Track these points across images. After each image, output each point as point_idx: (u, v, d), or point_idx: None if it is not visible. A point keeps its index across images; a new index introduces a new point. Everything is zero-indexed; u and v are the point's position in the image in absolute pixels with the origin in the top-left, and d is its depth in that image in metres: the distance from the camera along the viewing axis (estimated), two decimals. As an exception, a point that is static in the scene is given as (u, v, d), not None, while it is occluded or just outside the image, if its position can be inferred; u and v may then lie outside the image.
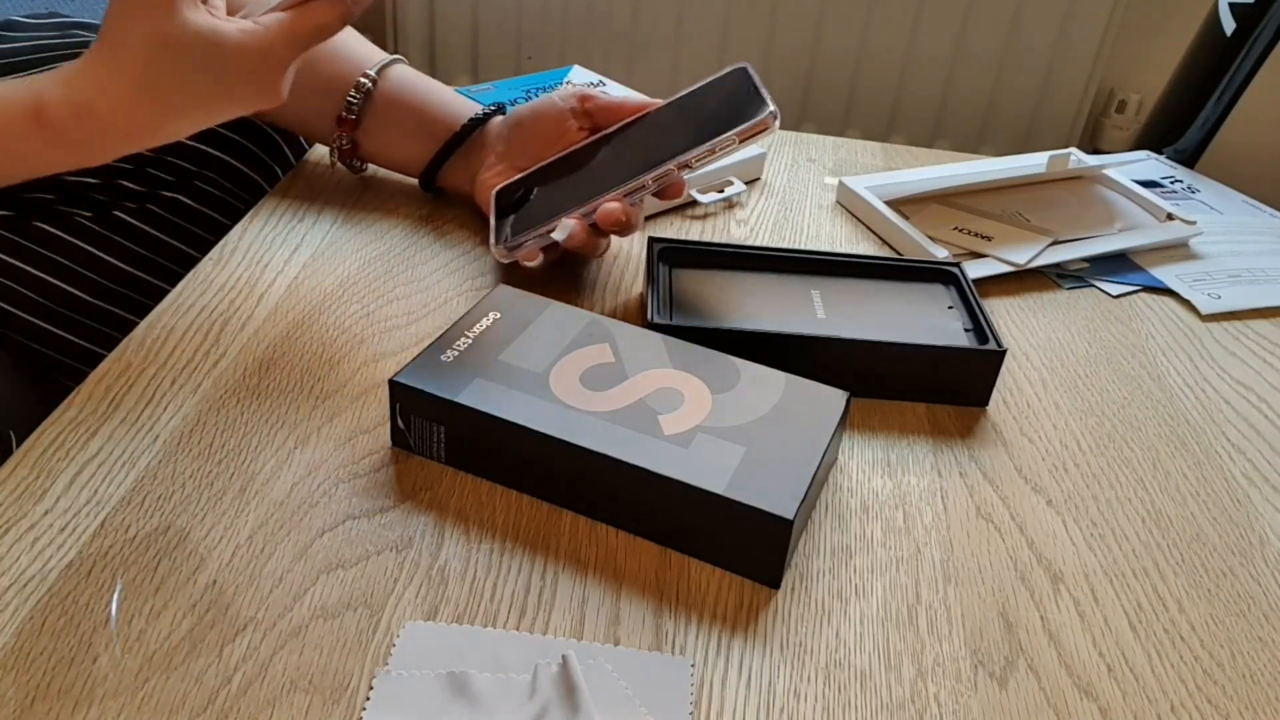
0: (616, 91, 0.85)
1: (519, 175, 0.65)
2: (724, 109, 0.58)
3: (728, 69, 0.62)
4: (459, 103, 0.68)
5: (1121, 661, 0.42)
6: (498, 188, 0.64)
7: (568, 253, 0.61)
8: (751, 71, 0.59)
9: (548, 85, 0.85)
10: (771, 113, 0.55)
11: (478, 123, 0.67)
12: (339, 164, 0.72)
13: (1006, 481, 0.52)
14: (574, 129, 0.65)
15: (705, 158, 0.56)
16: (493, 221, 0.62)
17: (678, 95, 0.63)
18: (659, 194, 0.59)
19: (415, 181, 0.71)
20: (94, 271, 0.72)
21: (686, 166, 0.57)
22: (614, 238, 0.65)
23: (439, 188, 0.70)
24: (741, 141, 0.56)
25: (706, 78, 0.62)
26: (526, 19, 1.96)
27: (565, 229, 0.58)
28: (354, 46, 0.69)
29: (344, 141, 0.68)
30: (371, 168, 0.74)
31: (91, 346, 0.73)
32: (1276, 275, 0.75)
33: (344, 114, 0.67)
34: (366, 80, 0.66)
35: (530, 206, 0.61)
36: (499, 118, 0.68)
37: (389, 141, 0.69)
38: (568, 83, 0.86)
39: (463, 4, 1.96)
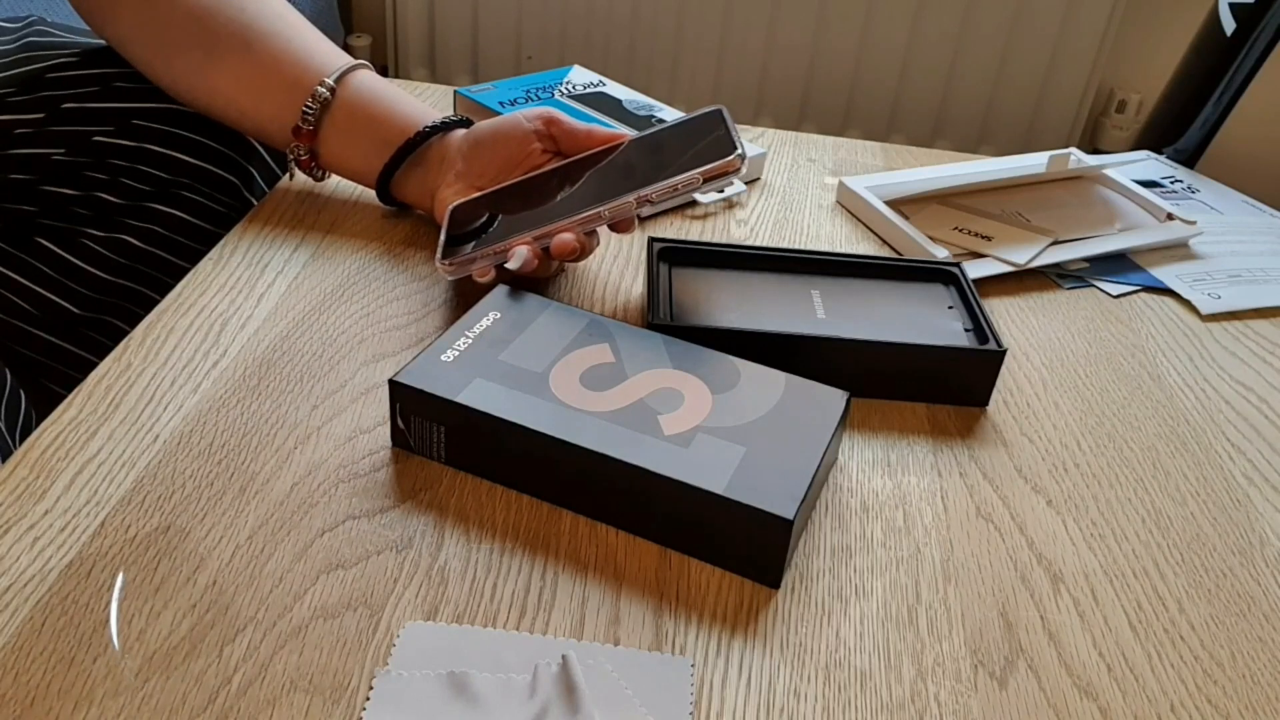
0: (616, 91, 0.85)
1: (477, 194, 0.62)
2: (693, 148, 0.57)
3: (703, 110, 0.61)
4: (419, 112, 0.65)
5: (1121, 661, 0.42)
6: (453, 203, 0.62)
7: (518, 272, 0.58)
8: (726, 114, 0.59)
9: (548, 85, 0.85)
10: (739, 154, 0.54)
11: (431, 132, 0.64)
12: (298, 173, 0.69)
13: (1006, 481, 0.52)
14: (537, 151, 0.63)
15: (667, 194, 0.55)
16: (442, 236, 0.60)
17: (649, 131, 0.62)
18: (612, 226, 0.58)
19: None
20: (85, 285, 0.71)
21: (647, 201, 0.56)
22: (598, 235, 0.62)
23: (400, 202, 0.67)
24: (706, 181, 0.55)
25: (681, 116, 0.61)
26: (526, 19, 1.96)
27: (519, 257, 0.56)
28: (315, 50, 0.66)
29: (301, 152, 0.66)
30: None
31: (86, 355, 0.73)
32: (1276, 275, 0.75)
33: (300, 124, 0.64)
34: (324, 90, 0.63)
35: (485, 227, 0.60)
36: (460, 132, 0.65)
37: (344, 151, 0.66)
38: (568, 83, 0.86)
39: (463, 4, 1.97)
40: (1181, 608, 0.45)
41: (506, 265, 0.56)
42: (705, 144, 0.57)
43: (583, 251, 0.58)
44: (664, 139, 0.60)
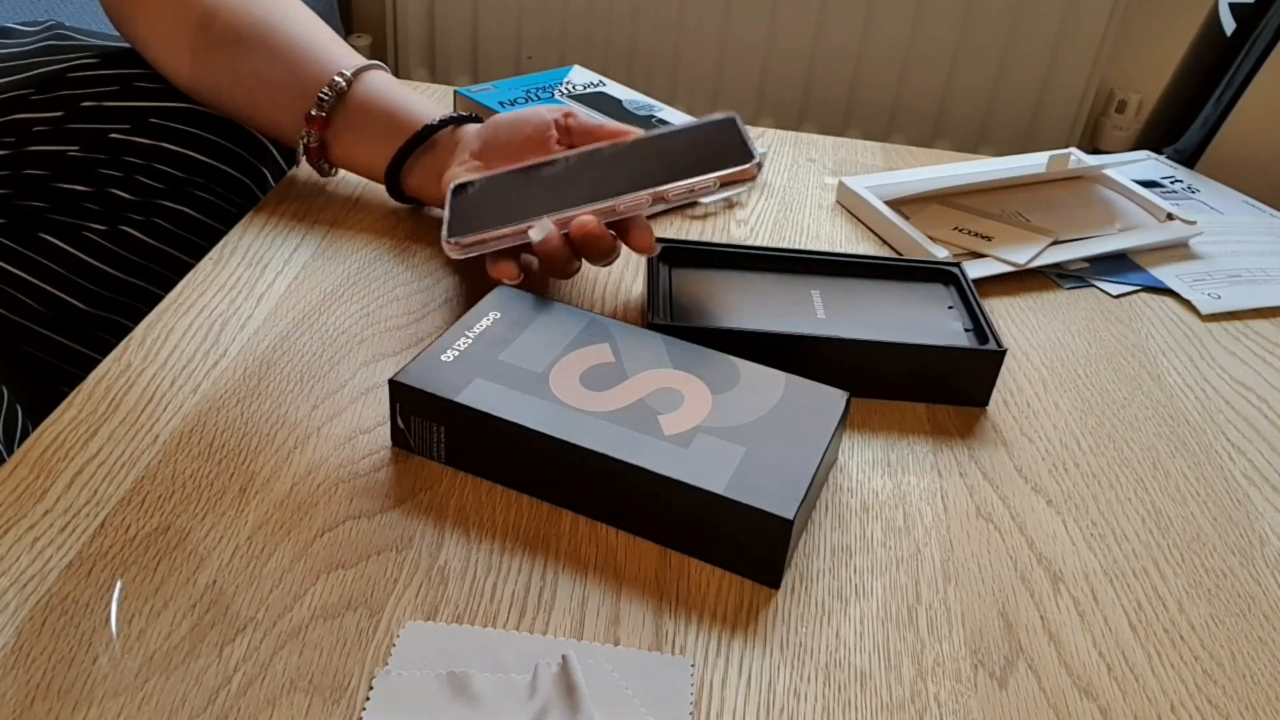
0: (616, 91, 0.85)
1: (479, 175, 0.62)
2: (708, 152, 0.57)
3: (715, 116, 0.61)
4: (431, 109, 0.66)
5: (1121, 661, 0.42)
6: (455, 181, 0.61)
7: (541, 246, 0.57)
8: (739, 121, 0.59)
9: (548, 85, 0.85)
10: (757, 163, 0.55)
11: (435, 128, 0.64)
12: (306, 164, 0.69)
13: (1006, 481, 0.52)
14: (553, 140, 0.63)
15: (682, 195, 0.56)
16: (446, 214, 0.59)
17: (659, 131, 0.61)
18: (632, 244, 0.57)
19: None
20: (93, 282, 0.71)
21: (661, 199, 0.56)
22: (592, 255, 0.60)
23: (412, 198, 0.68)
24: (721, 185, 0.55)
25: (692, 120, 0.62)
26: (526, 19, 1.96)
27: (543, 229, 0.55)
28: (333, 50, 0.67)
29: (312, 139, 0.66)
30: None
31: (95, 355, 0.73)
32: (1276, 275, 0.75)
33: (314, 111, 0.65)
34: (341, 80, 0.65)
35: (495, 208, 0.59)
36: (474, 125, 0.65)
37: (356, 143, 0.66)
38: (568, 83, 0.86)
39: (463, 4, 1.97)
40: (1181, 608, 0.45)
41: (529, 234, 0.55)
42: (720, 149, 0.57)
43: (599, 237, 0.56)
44: (677, 141, 0.60)
